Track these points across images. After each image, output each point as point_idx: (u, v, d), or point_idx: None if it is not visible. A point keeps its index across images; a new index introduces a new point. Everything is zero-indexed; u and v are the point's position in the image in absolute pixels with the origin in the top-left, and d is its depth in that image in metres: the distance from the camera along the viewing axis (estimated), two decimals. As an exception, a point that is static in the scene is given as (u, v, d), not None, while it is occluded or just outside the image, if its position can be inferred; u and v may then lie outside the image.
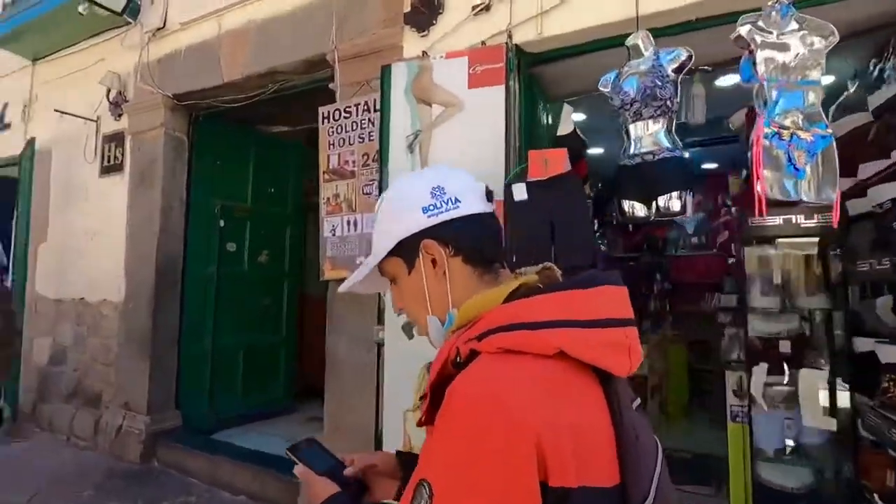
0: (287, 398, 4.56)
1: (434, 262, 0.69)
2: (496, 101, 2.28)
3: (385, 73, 2.53)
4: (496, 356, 0.56)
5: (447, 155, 2.35)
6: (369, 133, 2.60)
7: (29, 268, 4.09)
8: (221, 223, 4.09)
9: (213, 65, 3.47)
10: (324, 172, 2.73)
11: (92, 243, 4.06)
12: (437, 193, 0.69)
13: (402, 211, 0.71)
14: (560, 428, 0.51)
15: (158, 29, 3.73)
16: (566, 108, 2.26)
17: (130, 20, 3.84)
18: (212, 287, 4.03)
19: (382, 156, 2.51)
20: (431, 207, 0.69)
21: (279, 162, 4.56)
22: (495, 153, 2.27)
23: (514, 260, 2.04)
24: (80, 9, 3.61)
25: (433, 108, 2.39)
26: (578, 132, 2.27)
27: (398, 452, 0.85)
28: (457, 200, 0.69)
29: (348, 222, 2.62)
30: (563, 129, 2.25)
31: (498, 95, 2.28)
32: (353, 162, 2.64)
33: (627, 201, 2.05)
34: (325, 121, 2.75)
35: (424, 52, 2.47)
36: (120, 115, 3.97)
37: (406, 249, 0.70)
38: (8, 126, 4.82)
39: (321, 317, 5.13)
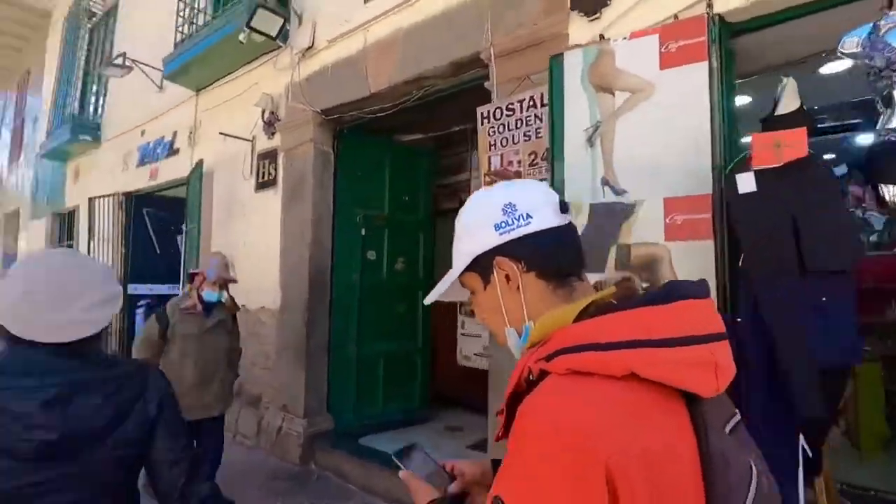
0: (423, 406, 4.54)
1: (507, 277, 0.70)
2: (696, 80, 1.98)
3: (554, 63, 2.35)
4: (564, 377, 0.56)
5: (635, 145, 2.10)
6: (536, 130, 2.43)
7: (199, 278, 4.52)
8: (363, 232, 4.19)
9: (360, 77, 3.55)
10: (485, 175, 2.61)
11: (250, 254, 4.38)
12: (509, 210, 0.70)
13: (475, 228, 0.73)
14: (632, 453, 0.49)
15: (307, 49, 3.92)
16: (789, 82, 1.90)
17: (281, 44, 4.10)
18: (355, 295, 4.13)
19: (553, 153, 2.32)
20: (503, 224, 0.70)
21: (411, 169, 4.60)
22: (696, 139, 1.97)
23: (741, 262, 1.73)
24: (241, 37, 3.90)
25: (616, 95, 2.15)
26: (805, 109, 1.91)
27: (493, 461, 0.83)
28: (528, 216, 0.69)
29: (515, 226, 2.47)
30: (787, 107, 1.89)
31: (698, 74, 1.98)
32: (519, 162, 2.48)
33: (889, 186, 1.64)
34: (485, 121, 2.63)
35: (602, 36, 2.25)
36: (273, 134, 4.24)
37: (481, 265, 0.72)
38: (177, 151, 5.44)
39: (451, 325, 5.12)
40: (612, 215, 2.12)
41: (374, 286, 4.25)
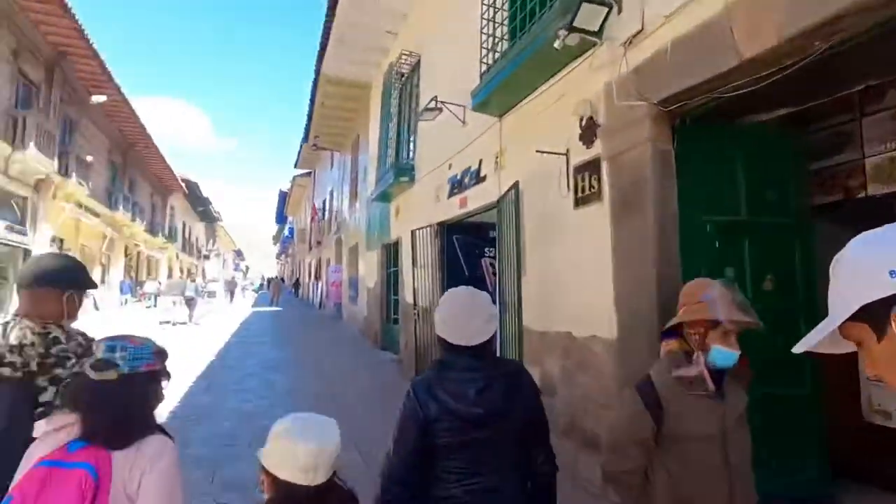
0: (823, 480, 3.28)
1: None
2: None
3: None
4: None
5: None
6: None
7: (522, 301, 4.43)
8: (716, 244, 3.32)
9: (721, 45, 2.75)
10: None
11: (572, 276, 4.02)
12: None
13: (862, 273, 0.63)
14: None
15: (635, 35, 3.35)
16: None
17: (597, 40, 3.65)
18: (711, 323, 3.27)
19: None
20: None
21: (772, 157, 3.49)
22: None
23: None
24: (556, 44, 3.61)
25: None
26: None
27: None
28: None
29: None
30: None
31: None
32: None
33: None
34: None
35: None
36: (592, 142, 3.82)
37: (871, 315, 0.62)
38: (484, 178, 5.64)
39: (849, 365, 3.66)
40: None
41: (734, 312, 3.30)
